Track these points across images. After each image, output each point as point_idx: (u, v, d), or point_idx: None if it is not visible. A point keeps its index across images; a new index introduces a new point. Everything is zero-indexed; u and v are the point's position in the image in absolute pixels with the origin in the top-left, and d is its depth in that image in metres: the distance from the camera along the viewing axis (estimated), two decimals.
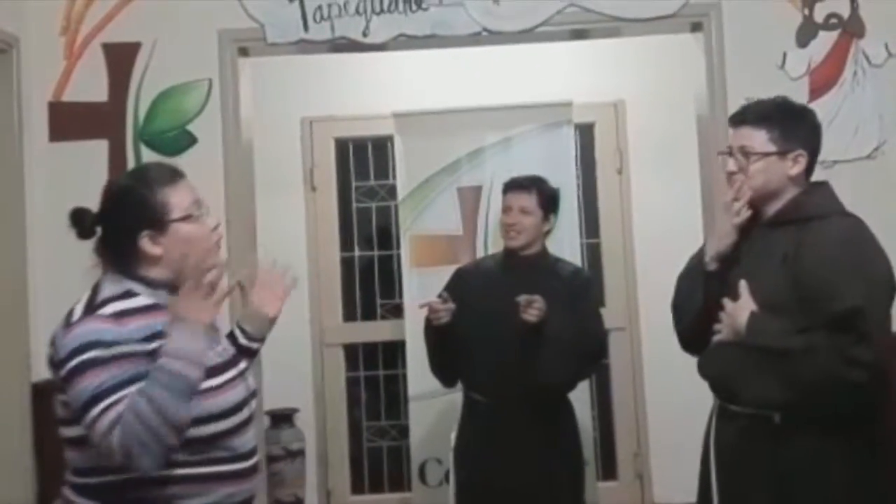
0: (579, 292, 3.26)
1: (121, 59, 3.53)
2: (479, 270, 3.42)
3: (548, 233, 3.34)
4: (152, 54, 3.53)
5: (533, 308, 3.02)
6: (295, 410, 4.68)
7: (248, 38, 3.55)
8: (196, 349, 1.84)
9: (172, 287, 1.94)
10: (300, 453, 4.66)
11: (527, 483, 3.10)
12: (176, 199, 1.94)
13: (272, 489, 4.29)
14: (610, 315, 4.72)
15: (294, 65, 4.24)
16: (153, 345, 1.85)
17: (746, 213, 2.32)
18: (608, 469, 4.76)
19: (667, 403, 4.55)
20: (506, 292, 3.09)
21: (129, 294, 1.90)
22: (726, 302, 2.27)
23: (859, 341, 2.11)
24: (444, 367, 3.34)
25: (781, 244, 2.26)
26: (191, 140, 3.53)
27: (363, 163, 4.95)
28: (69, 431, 1.88)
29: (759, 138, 2.30)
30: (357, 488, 4.90)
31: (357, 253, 4.95)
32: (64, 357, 1.82)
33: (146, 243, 1.91)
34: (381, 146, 4.85)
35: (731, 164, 2.35)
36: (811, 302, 2.16)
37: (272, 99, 4.50)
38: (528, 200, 3.24)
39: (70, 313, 1.88)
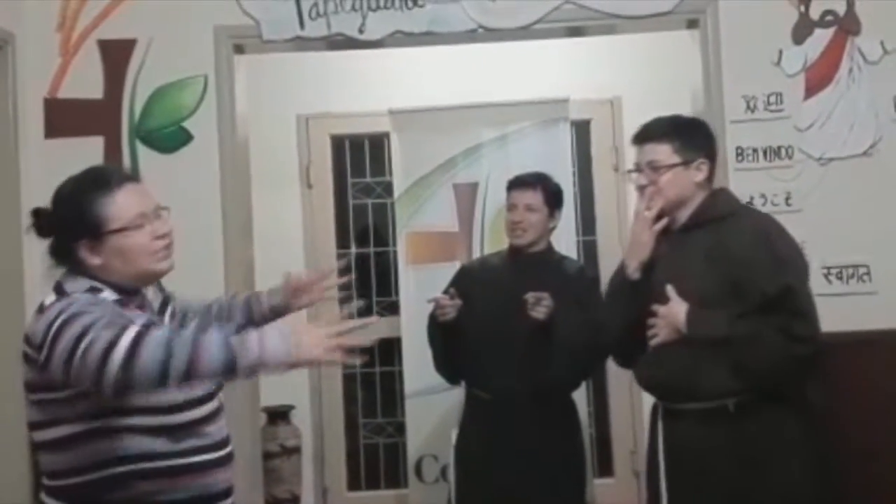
0: (586, 290, 3.25)
1: (116, 55, 3.53)
2: (484, 268, 3.41)
3: (552, 229, 3.33)
4: (148, 51, 3.53)
5: (541, 305, 3.02)
6: (291, 407, 4.68)
7: (244, 35, 3.55)
8: (268, 358, 1.69)
9: (126, 289, 1.92)
10: (296, 450, 4.66)
11: (528, 481, 3.10)
12: (113, 211, 1.88)
13: (268, 486, 4.29)
14: None
15: (290, 62, 4.24)
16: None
17: (664, 222, 2.47)
18: (604, 466, 4.76)
19: None
20: (512, 290, 3.09)
21: (94, 289, 1.88)
22: (657, 307, 2.39)
23: (796, 317, 2.29)
24: (450, 364, 3.33)
25: (700, 244, 2.43)
26: (186, 137, 3.53)
27: (359, 160, 4.95)
28: (41, 435, 1.86)
29: (664, 152, 2.48)
30: (353, 485, 4.90)
31: (353, 250, 4.95)
32: (42, 332, 1.77)
33: (84, 252, 1.88)
34: (378, 143, 4.85)
35: (641, 179, 2.51)
36: (742, 290, 2.32)
37: (268, 96, 4.49)
38: (534, 197, 3.24)
39: (40, 306, 1.86)
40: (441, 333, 3.23)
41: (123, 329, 1.69)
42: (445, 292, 3.22)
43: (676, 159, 2.47)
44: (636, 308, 2.44)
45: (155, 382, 1.67)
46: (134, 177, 1.99)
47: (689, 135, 2.53)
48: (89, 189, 1.91)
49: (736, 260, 2.35)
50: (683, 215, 2.49)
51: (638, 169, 2.53)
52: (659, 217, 2.47)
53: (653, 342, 2.42)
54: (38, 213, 1.94)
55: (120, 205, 1.89)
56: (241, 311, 2.31)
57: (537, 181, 3.28)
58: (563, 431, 3.22)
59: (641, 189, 2.51)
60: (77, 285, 1.88)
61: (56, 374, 1.77)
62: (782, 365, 2.30)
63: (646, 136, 2.53)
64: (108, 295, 1.88)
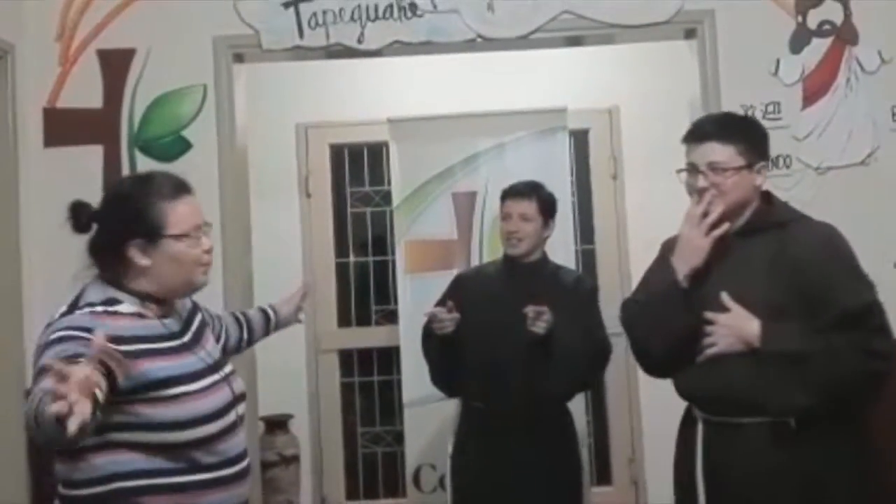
0: (584, 300, 3.24)
1: (115, 65, 3.54)
2: (480, 278, 3.39)
3: (546, 239, 3.32)
4: (147, 60, 3.53)
5: (541, 320, 3.00)
6: (289, 416, 4.68)
7: (244, 45, 3.56)
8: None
9: (157, 299, 1.93)
10: (295, 459, 4.65)
11: (525, 492, 3.09)
12: (175, 217, 1.92)
13: (267, 495, 4.28)
14: (604, 321, 4.74)
15: (289, 71, 4.24)
16: (121, 347, 1.75)
17: (725, 227, 2.33)
18: (603, 474, 4.77)
19: (662, 409, 4.48)
20: (509, 300, 3.07)
21: (112, 301, 1.88)
22: (714, 315, 2.27)
23: (876, 334, 2.20)
24: (448, 376, 3.29)
25: (761, 251, 2.30)
26: (185, 146, 3.53)
27: (358, 169, 4.96)
28: None
29: (728, 153, 2.32)
30: (352, 494, 4.89)
31: (352, 259, 4.95)
32: (40, 345, 1.80)
33: (134, 252, 1.89)
34: (376, 152, 4.86)
35: (702, 181, 2.34)
36: (816, 302, 2.20)
37: (267, 105, 4.50)
38: (528, 207, 3.22)
39: (51, 316, 1.87)
40: (439, 346, 3.21)
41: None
42: (441, 303, 3.20)
43: (741, 161, 2.32)
44: (684, 317, 2.31)
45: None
46: (191, 189, 2.01)
47: (752, 135, 2.39)
48: (154, 192, 1.94)
49: (805, 269, 2.23)
50: (740, 220, 2.36)
51: (693, 169, 2.36)
52: (718, 222, 2.33)
53: (710, 352, 2.29)
54: (78, 207, 1.94)
55: (181, 213, 1.93)
56: (259, 325, 2.57)
57: (532, 190, 3.26)
58: (559, 442, 3.20)
59: (701, 192, 2.34)
60: (97, 296, 1.88)
61: None
62: (858, 381, 2.20)
63: (706, 135, 2.36)
64: (125, 307, 1.88)
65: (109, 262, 1.92)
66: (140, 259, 1.90)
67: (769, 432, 2.23)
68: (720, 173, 2.32)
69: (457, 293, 3.27)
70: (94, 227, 1.94)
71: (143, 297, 1.92)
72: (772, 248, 2.29)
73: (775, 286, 2.25)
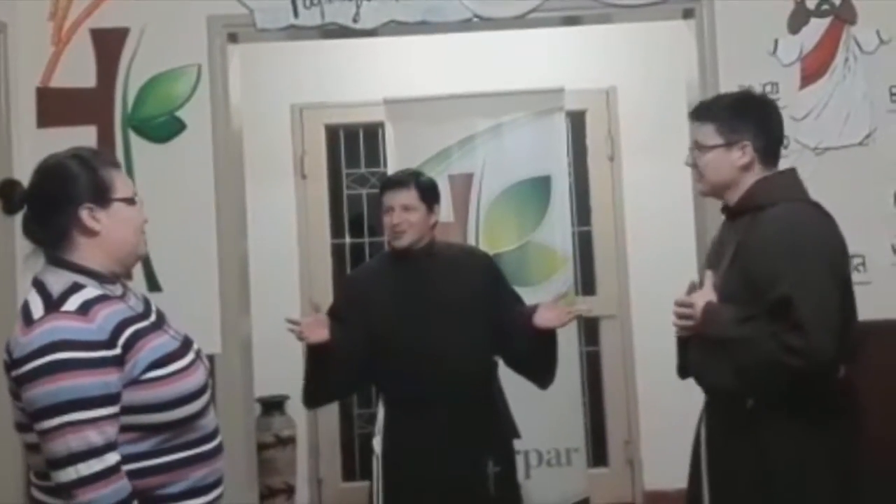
0: (490, 271, 3.22)
1: (109, 44, 3.51)
2: (375, 278, 3.23)
3: (435, 224, 3.19)
4: (141, 40, 3.51)
5: None
6: (286, 397, 4.67)
7: (238, 24, 3.53)
8: None
9: (108, 278, 1.89)
10: (291, 440, 4.65)
11: (462, 476, 3.01)
12: (121, 182, 1.92)
13: (263, 476, 4.28)
14: (601, 303, 4.74)
15: (284, 51, 4.22)
16: (123, 337, 1.79)
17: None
18: (599, 456, 4.78)
19: (658, 391, 4.55)
20: (412, 291, 3.05)
21: (77, 286, 1.83)
22: (687, 297, 2.33)
23: (791, 329, 2.13)
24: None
25: (735, 234, 2.32)
26: (180, 126, 3.51)
27: (354, 150, 4.94)
28: (29, 438, 1.83)
29: (706, 131, 2.37)
30: (348, 475, 4.90)
31: (348, 240, 4.94)
32: (27, 354, 1.74)
33: (86, 216, 1.85)
34: (372, 133, 4.84)
35: (689, 158, 2.44)
36: (754, 291, 2.20)
37: (262, 85, 4.48)
38: (408, 197, 3.09)
39: (26, 313, 1.80)
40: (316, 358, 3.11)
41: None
42: (336, 308, 3.10)
43: (718, 140, 2.34)
44: None
45: None
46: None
47: (735, 113, 2.36)
48: (97, 158, 1.94)
49: (753, 258, 2.22)
50: (732, 200, 2.37)
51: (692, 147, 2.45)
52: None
53: (677, 332, 2.38)
54: (9, 186, 1.89)
55: (125, 179, 1.95)
56: None
57: (410, 178, 3.16)
58: (488, 417, 3.10)
59: (692, 168, 2.45)
60: (60, 282, 1.83)
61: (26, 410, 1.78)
62: (774, 373, 2.17)
63: (695, 113, 2.44)
64: (91, 290, 1.83)
65: (52, 239, 1.87)
66: (91, 223, 1.86)
67: (732, 411, 2.28)
68: (700, 151, 2.38)
69: (353, 296, 3.17)
70: (27, 206, 1.88)
71: (100, 278, 1.87)
72: (741, 233, 2.30)
73: (732, 272, 2.27)
